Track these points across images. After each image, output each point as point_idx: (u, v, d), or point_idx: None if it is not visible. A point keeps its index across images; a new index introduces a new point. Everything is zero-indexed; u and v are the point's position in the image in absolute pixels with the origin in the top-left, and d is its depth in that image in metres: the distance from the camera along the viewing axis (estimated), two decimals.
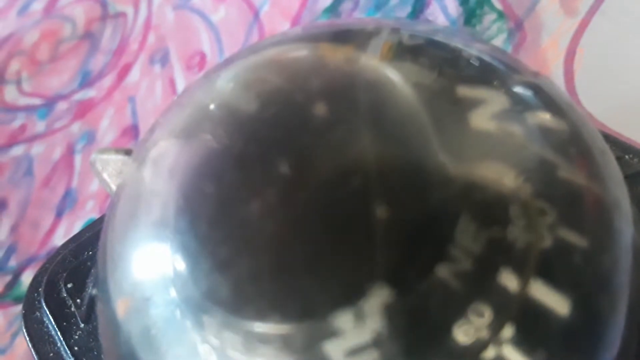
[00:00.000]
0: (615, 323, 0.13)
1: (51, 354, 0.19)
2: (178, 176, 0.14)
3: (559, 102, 0.15)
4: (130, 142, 0.31)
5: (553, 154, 0.14)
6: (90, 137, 0.32)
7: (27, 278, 0.28)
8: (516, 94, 0.14)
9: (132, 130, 0.31)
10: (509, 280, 0.12)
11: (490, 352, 0.12)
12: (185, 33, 0.33)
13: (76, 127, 0.32)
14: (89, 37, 0.34)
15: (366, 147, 0.13)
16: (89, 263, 0.20)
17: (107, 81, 0.33)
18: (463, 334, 0.12)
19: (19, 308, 0.22)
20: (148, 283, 0.14)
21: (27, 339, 0.19)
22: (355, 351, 0.12)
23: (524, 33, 0.28)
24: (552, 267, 0.13)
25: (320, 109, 0.14)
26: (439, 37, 0.15)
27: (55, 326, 0.19)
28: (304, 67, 0.15)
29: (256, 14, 0.32)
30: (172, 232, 0.14)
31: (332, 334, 0.12)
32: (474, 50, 0.15)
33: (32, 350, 0.19)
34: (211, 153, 0.14)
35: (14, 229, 0.30)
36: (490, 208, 0.13)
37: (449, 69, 0.14)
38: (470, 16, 0.29)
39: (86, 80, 0.33)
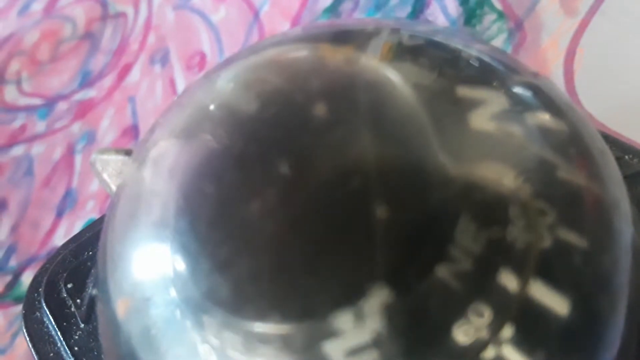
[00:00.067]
0: (615, 323, 0.13)
1: (51, 354, 0.19)
2: (178, 176, 0.14)
3: (558, 103, 0.15)
4: (131, 142, 0.31)
5: (553, 155, 0.14)
6: (90, 137, 0.32)
7: (27, 278, 0.28)
8: (516, 94, 0.14)
9: (132, 130, 0.31)
10: (508, 281, 0.12)
11: (490, 352, 0.12)
12: (186, 33, 0.33)
13: (76, 127, 0.32)
14: (89, 37, 0.34)
15: (366, 147, 0.13)
16: (89, 263, 0.20)
17: (107, 81, 0.33)
18: (463, 334, 0.12)
19: (19, 308, 0.22)
20: (148, 283, 0.14)
21: (27, 339, 0.19)
22: (355, 351, 0.12)
23: (524, 33, 0.28)
24: (552, 267, 0.13)
25: (320, 110, 0.14)
26: (438, 38, 0.15)
27: (55, 326, 0.19)
28: (304, 68, 0.15)
29: (256, 14, 0.32)
30: (172, 232, 0.14)
31: (332, 334, 0.12)
32: (473, 51, 0.15)
33: (32, 350, 0.19)
34: (211, 153, 0.14)
35: (14, 229, 0.30)
36: (490, 208, 0.13)
37: (448, 70, 0.14)
38: (470, 16, 0.29)
39: (86, 80, 0.33)
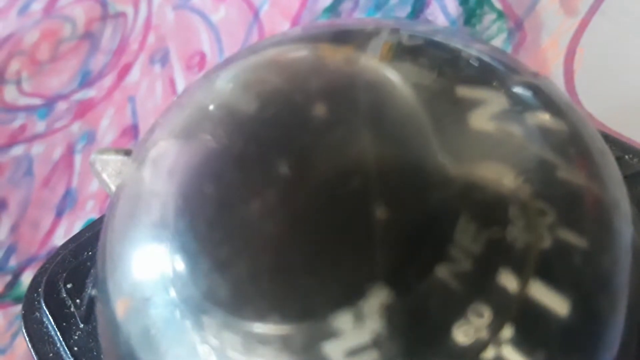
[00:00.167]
0: (615, 323, 0.13)
1: (51, 354, 0.19)
2: (177, 176, 0.14)
3: (558, 103, 0.15)
4: (130, 142, 0.31)
5: (552, 155, 0.14)
6: (90, 137, 0.32)
7: (27, 278, 0.28)
8: (516, 94, 0.14)
9: (132, 130, 0.31)
10: (508, 281, 0.12)
11: (489, 352, 0.12)
12: (185, 33, 0.33)
13: (76, 127, 0.32)
14: (89, 37, 0.34)
15: (366, 147, 0.13)
16: (88, 263, 0.20)
17: (107, 81, 0.33)
18: (463, 334, 0.12)
19: (18, 308, 0.22)
20: (148, 283, 0.14)
21: (27, 339, 0.19)
22: (355, 351, 0.12)
23: (524, 33, 0.28)
24: (552, 267, 0.13)
25: (319, 110, 0.14)
26: (438, 38, 0.15)
27: (54, 326, 0.19)
28: (304, 68, 0.15)
29: (256, 14, 0.32)
30: (171, 233, 0.14)
31: (332, 334, 0.12)
32: (473, 51, 0.15)
33: (32, 350, 0.19)
34: (211, 153, 0.14)
35: (14, 229, 0.30)
36: (489, 208, 0.13)
37: (448, 70, 0.14)
38: (470, 16, 0.29)
39: (86, 80, 0.33)
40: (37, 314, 0.20)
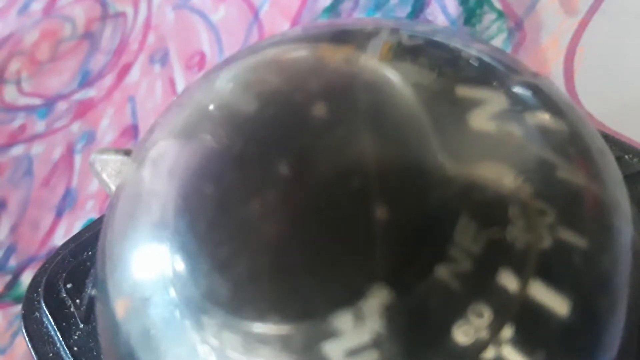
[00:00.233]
0: (615, 323, 0.13)
1: (50, 354, 0.19)
2: (177, 176, 0.14)
3: (558, 103, 0.15)
4: (130, 142, 0.31)
5: (552, 154, 0.14)
6: (90, 137, 0.32)
7: (27, 278, 0.28)
8: (515, 94, 0.14)
9: (132, 130, 0.31)
10: (508, 281, 0.12)
11: (489, 352, 0.12)
12: (185, 33, 0.33)
13: (76, 127, 0.32)
14: (89, 37, 0.34)
15: (366, 147, 0.13)
16: (88, 263, 0.20)
17: (107, 81, 0.33)
18: (462, 334, 0.12)
19: (18, 308, 0.22)
20: (147, 283, 0.14)
21: (27, 339, 0.19)
22: (355, 352, 0.12)
23: (524, 32, 0.28)
24: (552, 267, 0.13)
25: (319, 110, 0.14)
26: (438, 38, 0.15)
27: (54, 326, 0.19)
28: (304, 68, 0.15)
29: (256, 14, 0.32)
30: (171, 233, 0.14)
31: (332, 334, 0.12)
32: (473, 51, 0.15)
33: (32, 350, 0.19)
34: (211, 153, 0.14)
35: (14, 229, 0.30)
36: (489, 208, 0.13)
37: (448, 69, 0.14)
38: (470, 16, 0.29)
39: (86, 80, 0.33)
40: (37, 314, 0.20)
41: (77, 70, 0.33)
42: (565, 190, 0.13)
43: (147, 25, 0.34)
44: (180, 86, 0.32)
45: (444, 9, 0.30)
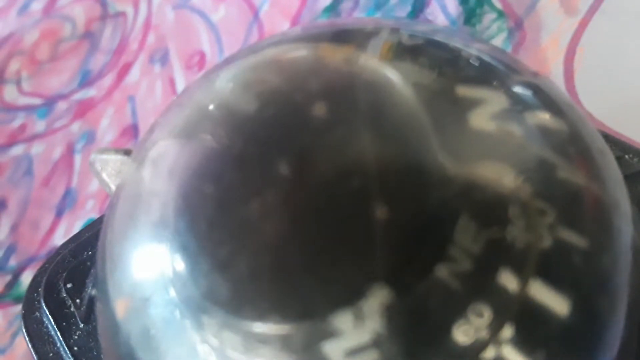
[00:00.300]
0: (615, 323, 0.13)
1: (51, 354, 0.19)
2: (177, 176, 0.14)
3: (558, 102, 0.15)
4: (130, 141, 0.31)
5: (552, 154, 0.14)
6: (90, 137, 0.32)
7: (27, 278, 0.28)
8: (515, 94, 0.14)
9: (132, 130, 0.31)
10: (508, 281, 0.12)
11: (489, 352, 0.12)
12: (185, 32, 0.33)
13: (76, 127, 0.32)
14: (89, 36, 0.34)
15: (366, 147, 0.13)
16: (88, 263, 0.20)
17: (107, 81, 0.33)
18: (462, 334, 0.12)
19: (18, 308, 0.22)
20: (147, 283, 0.14)
21: (27, 339, 0.19)
22: (355, 351, 0.12)
23: (524, 32, 0.28)
24: (552, 267, 0.13)
25: (319, 109, 0.14)
26: (438, 37, 0.15)
27: (54, 326, 0.19)
28: (304, 68, 0.15)
29: (256, 14, 0.32)
30: (171, 233, 0.14)
31: (332, 334, 0.12)
32: (473, 50, 0.15)
33: (32, 350, 0.19)
34: (211, 153, 0.14)
35: (14, 229, 0.30)
36: (489, 208, 0.13)
37: (448, 69, 0.14)
38: (470, 15, 0.29)
39: (86, 79, 0.33)
40: (37, 313, 0.20)
41: (77, 70, 0.33)
42: (565, 190, 0.13)
43: (147, 25, 0.34)
44: (180, 86, 0.32)
45: (444, 9, 0.30)
